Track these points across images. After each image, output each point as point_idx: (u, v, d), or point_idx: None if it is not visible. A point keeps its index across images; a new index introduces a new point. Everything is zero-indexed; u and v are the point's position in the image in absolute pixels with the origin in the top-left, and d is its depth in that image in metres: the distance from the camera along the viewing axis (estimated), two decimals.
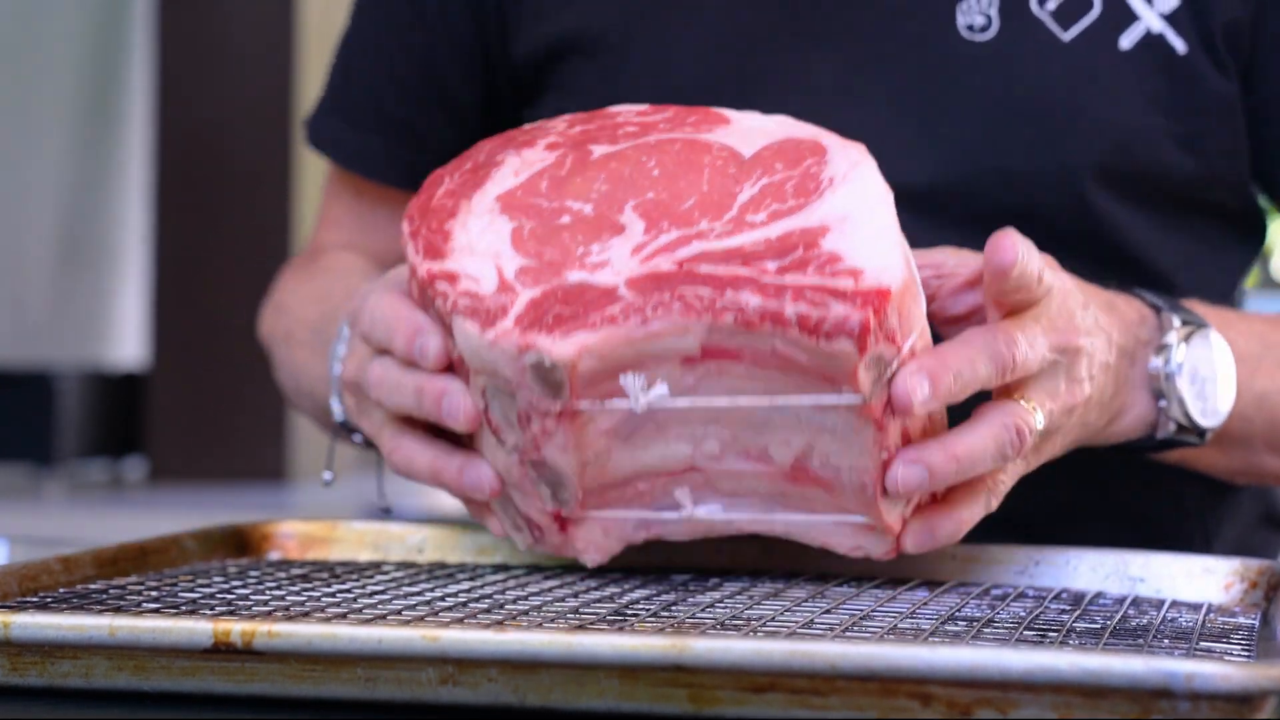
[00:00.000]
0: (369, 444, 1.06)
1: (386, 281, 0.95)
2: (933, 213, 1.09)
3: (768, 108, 1.03)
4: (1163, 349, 0.99)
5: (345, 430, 1.07)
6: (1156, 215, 1.13)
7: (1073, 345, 0.91)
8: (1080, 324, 0.92)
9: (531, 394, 0.83)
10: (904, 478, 0.85)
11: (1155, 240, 1.13)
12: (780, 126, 0.90)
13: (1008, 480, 0.92)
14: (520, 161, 0.92)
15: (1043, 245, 0.92)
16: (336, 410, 1.05)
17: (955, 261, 0.94)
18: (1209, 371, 1.00)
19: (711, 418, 0.85)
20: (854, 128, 1.01)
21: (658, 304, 0.83)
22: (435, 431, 0.93)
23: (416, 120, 1.24)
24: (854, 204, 0.84)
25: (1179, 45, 1.10)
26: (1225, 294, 1.18)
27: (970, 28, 1.11)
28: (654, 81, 1.15)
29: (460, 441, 0.92)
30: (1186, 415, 0.99)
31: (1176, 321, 1.00)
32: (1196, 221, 1.15)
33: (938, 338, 0.89)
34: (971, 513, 0.90)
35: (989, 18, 1.10)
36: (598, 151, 0.91)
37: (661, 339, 0.83)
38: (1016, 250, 0.86)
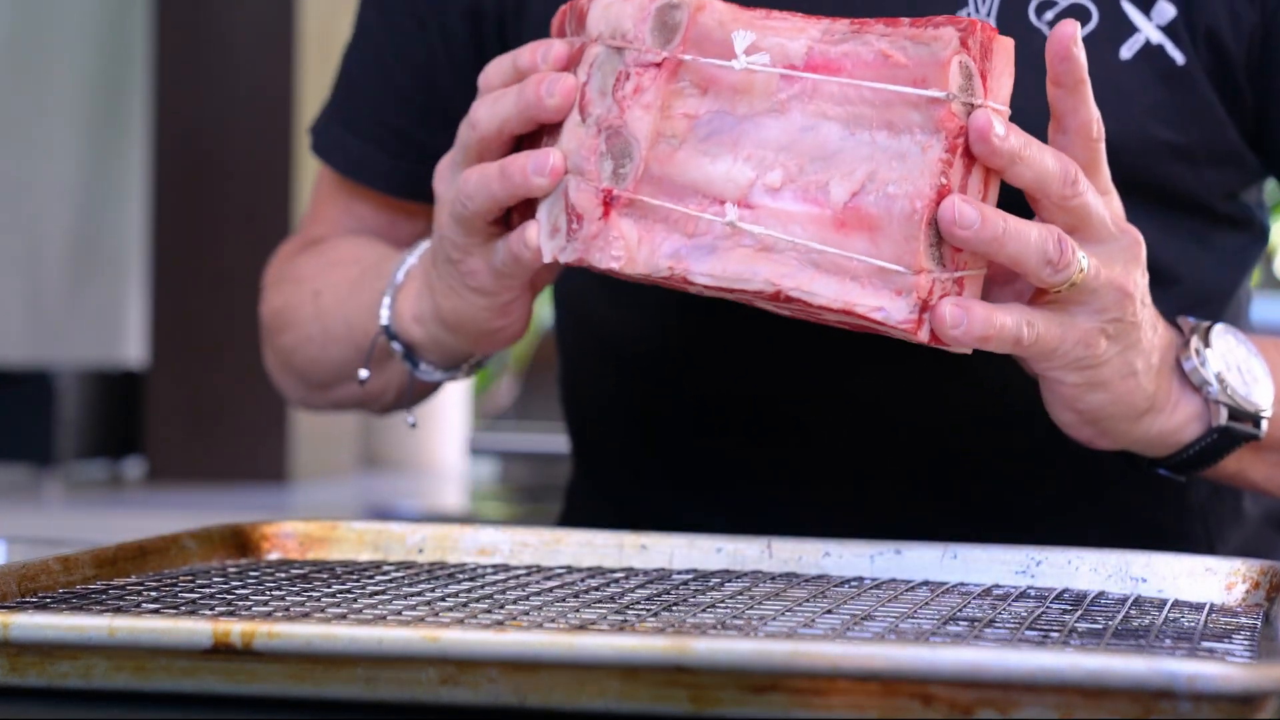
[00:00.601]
0: (408, 354, 1.12)
1: None
2: None
3: None
4: (1187, 345, 1.02)
5: (387, 337, 1.11)
6: (1154, 219, 1.13)
7: (1134, 234, 0.95)
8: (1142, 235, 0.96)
9: (643, 45, 0.92)
10: (959, 207, 0.87)
11: (1156, 240, 1.13)
12: None
13: (1041, 325, 0.92)
14: None
15: None
16: (385, 314, 1.11)
17: None
18: (1240, 359, 1.03)
19: (785, 144, 0.90)
20: None
21: (785, 10, 0.92)
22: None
23: (417, 132, 1.24)
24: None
25: (1178, 56, 1.10)
26: (1229, 292, 1.18)
27: None
28: None
29: None
30: (1233, 398, 1.01)
31: (1191, 321, 1.03)
32: (1196, 224, 1.15)
33: None
34: (1004, 320, 0.90)
35: None
36: None
37: (778, 33, 0.91)
38: (1075, 25, 0.92)
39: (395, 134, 1.25)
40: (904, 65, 0.89)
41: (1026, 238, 0.89)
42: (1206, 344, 1.02)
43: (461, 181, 0.99)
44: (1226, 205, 1.16)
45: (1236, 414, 1.02)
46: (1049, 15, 1.10)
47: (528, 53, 0.98)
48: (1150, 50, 1.10)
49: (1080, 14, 1.10)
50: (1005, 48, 0.91)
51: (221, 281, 2.86)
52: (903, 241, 0.88)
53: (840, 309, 0.89)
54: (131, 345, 3.21)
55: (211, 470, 2.85)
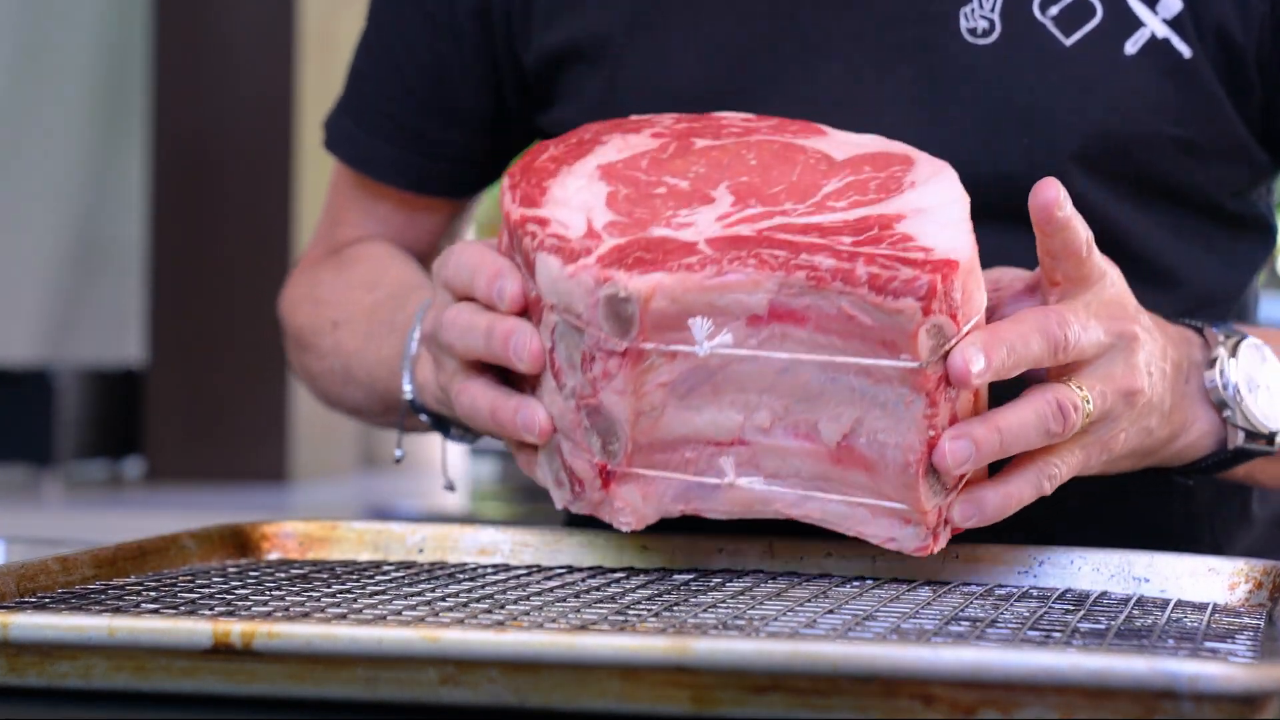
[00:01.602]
0: (437, 423, 1.11)
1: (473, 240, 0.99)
2: None
3: (771, 115, 1.04)
4: (1213, 362, 1.01)
5: (413, 410, 1.10)
6: (1161, 217, 1.13)
7: (1129, 331, 0.94)
8: (1136, 315, 0.95)
9: (600, 331, 0.86)
10: (951, 450, 0.87)
11: (1163, 241, 1.13)
12: (874, 141, 0.96)
13: (1063, 466, 0.93)
14: (624, 143, 0.97)
15: None
16: (408, 389, 1.09)
17: (1012, 276, 0.97)
18: (1264, 378, 1.02)
19: (766, 386, 0.88)
20: (857, 133, 1.02)
21: (734, 258, 0.86)
22: (503, 382, 0.97)
23: (426, 128, 1.25)
24: (931, 200, 0.89)
25: (1184, 50, 1.10)
26: (1236, 294, 1.18)
27: (972, 32, 1.10)
28: (656, 88, 1.15)
29: (523, 391, 0.95)
30: (1251, 422, 1.01)
31: (1220, 335, 1.02)
32: (1203, 223, 1.15)
33: None
34: (1020, 489, 0.91)
35: (991, 22, 1.10)
36: (700, 143, 0.97)
37: (733, 290, 0.86)
38: (1057, 188, 0.90)
39: (403, 128, 1.26)
40: (869, 326, 0.86)
41: (1027, 428, 0.89)
42: (1233, 355, 1.01)
43: (456, 400, 0.97)
44: (1234, 203, 1.16)
45: (1252, 434, 1.02)
46: (1053, 10, 1.10)
47: (484, 282, 0.94)
48: (1156, 45, 1.10)
49: (1084, 10, 1.10)
50: (971, 271, 0.87)
51: (221, 281, 2.86)
52: (902, 488, 0.88)
53: (853, 536, 0.91)
54: (132, 345, 3.20)
55: (211, 470, 2.85)
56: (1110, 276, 0.95)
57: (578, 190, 0.93)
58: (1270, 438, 1.02)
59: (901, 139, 1.10)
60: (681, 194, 0.93)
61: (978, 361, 0.86)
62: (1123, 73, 1.09)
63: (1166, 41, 1.10)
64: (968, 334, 0.87)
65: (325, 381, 1.25)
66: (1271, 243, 1.20)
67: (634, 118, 1.01)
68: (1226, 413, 1.01)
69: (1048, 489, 0.93)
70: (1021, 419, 0.89)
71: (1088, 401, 0.91)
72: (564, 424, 0.91)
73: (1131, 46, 1.10)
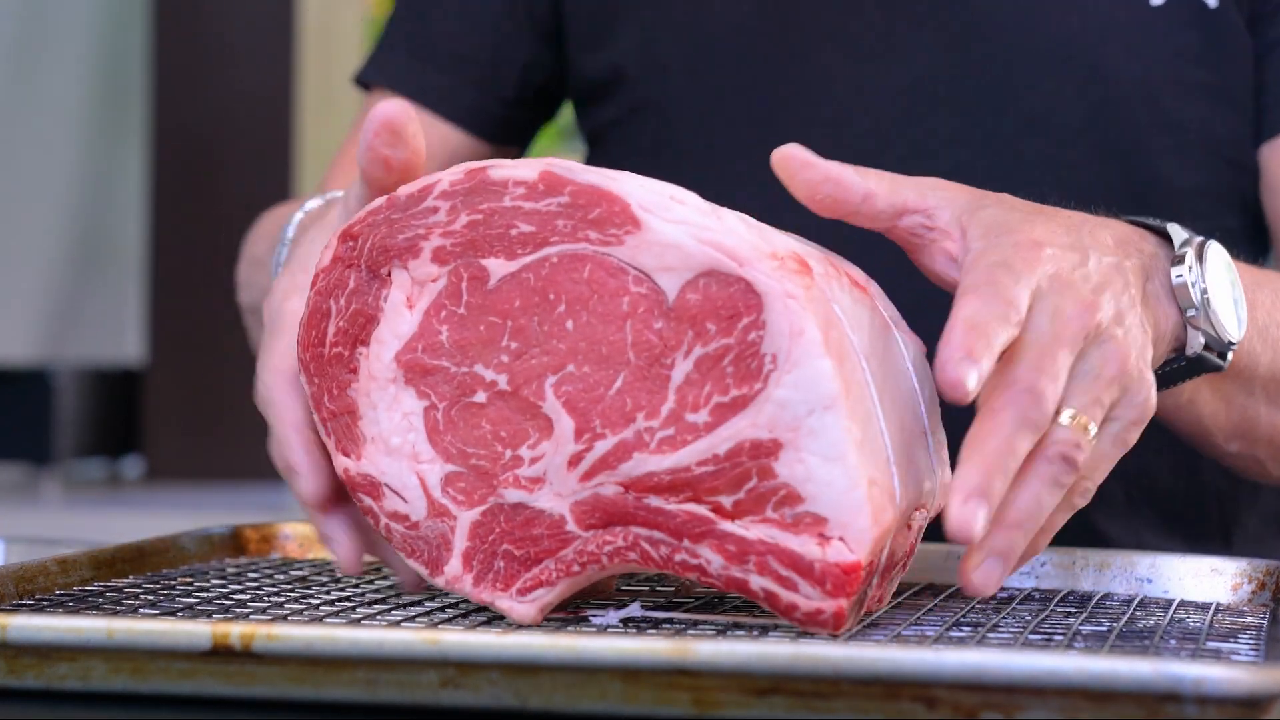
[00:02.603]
0: None
1: (282, 362, 0.86)
2: (969, 168, 1.10)
3: (807, 58, 1.09)
4: (1181, 259, 0.89)
5: None
6: (1191, 165, 1.13)
7: (1091, 325, 0.80)
8: (1087, 292, 0.81)
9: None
10: (981, 582, 0.77)
11: (1191, 186, 1.13)
12: (698, 241, 0.76)
13: (1099, 475, 0.81)
14: (409, 282, 0.81)
15: (1076, 199, 0.92)
16: None
17: (947, 217, 0.84)
18: (1225, 283, 0.91)
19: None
20: (890, 81, 1.10)
21: (614, 552, 0.78)
22: None
23: (485, 59, 1.25)
24: (801, 403, 0.75)
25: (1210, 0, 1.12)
26: (1260, 255, 1.18)
27: None
28: (694, 32, 1.16)
29: None
30: (1214, 327, 0.90)
31: (1184, 234, 0.90)
32: (1235, 177, 1.15)
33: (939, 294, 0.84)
34: (1056, 522, 0.81)
35: None
36: (494, 274, 0.79)
37: (622, 571, 0.80)
38: (965, 385, 0.75)
39: (469, 63, 1.25)
40: None
41: (1039, 503, 0.78)
42: (1200, 259, 0.89)
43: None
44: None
45: (1208, 343, 0.91)
46: None
47: (281, 466, 0.88)
48: None
49: None
50: (880, 541, 0.76)
51: (221, 280, 2.85)
52: None
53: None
54: (131, 345, 3.21)
55: (211, 470, 2.85)
56: (1043, 293, 0.80)
57: (389, 414, 0.81)
58: (1223, 352, 0.91)
59: (933, 85, 1.13)
60: (507, 409, 0.79)
61: (979, 520, 0.74)
62: (1148, 24, 1.11)
63: None
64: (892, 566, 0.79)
65: (249, 320, 1.24)
66: None
67: (403, 197, 0.81)
68: (1191, 313, 0.89)
69: (1085, 502, 0.82)
70: (1030, 496, 0.78)
71: (1088, 428, 0.79)
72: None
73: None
